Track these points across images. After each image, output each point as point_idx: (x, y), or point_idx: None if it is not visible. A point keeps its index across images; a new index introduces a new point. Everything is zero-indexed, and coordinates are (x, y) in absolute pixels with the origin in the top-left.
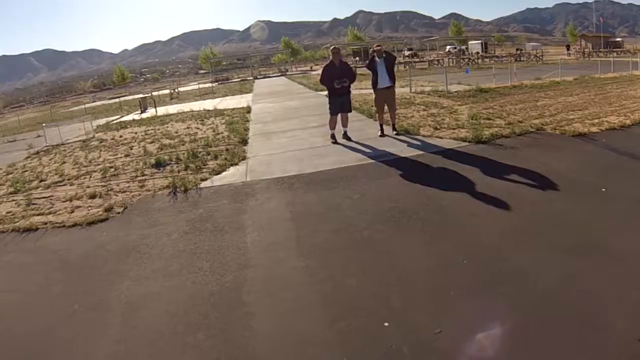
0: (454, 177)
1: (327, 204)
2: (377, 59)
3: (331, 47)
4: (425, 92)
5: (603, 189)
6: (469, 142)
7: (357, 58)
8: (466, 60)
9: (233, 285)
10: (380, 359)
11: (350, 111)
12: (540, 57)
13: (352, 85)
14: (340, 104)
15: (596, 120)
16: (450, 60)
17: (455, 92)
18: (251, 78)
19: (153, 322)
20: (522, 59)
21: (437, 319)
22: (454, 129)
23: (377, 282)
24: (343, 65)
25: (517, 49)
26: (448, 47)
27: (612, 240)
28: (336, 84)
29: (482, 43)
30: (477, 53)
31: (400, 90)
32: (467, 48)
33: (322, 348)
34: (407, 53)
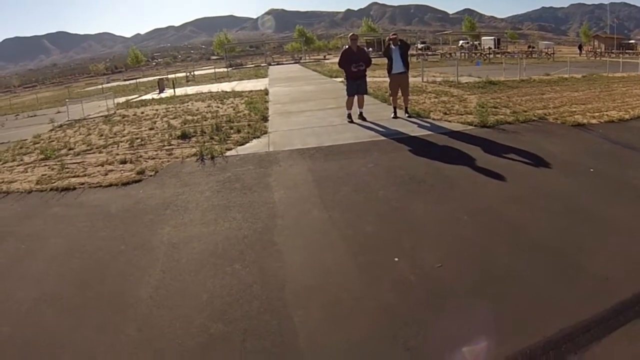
0: (458, 153)
1: (345, 170)
2: (392, 46)
3: (350, 34)
4: (436, 82)
5: (591, 169)
6: (475, 126)
7: (371, 49)
8: (478, 54)
9: (264, 230)
10: (391, 284)
11: (367, 92)
12: (552, 55)
13: (367, 72)
14: (357, 85)
15: (597, 114)
16: (463, 54)
17: (466, 83)
18: (265, 64)
19: (194, 257)
20: (533, 55)
21: (439, 257)
22: (461, 114)
23: (391, 229)
24: (360, 50)
25: (529, 46)
26: (461, 41)
27: (595, 207)
28: (353, 67)
29: (494, 39)
30: (489, 49)
31: (412, 80)
32: (479, 44)
33: (343, 275)
34: (420, 46)
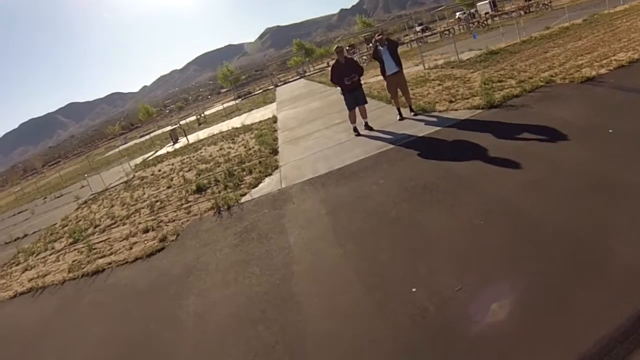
0: (468, 146)
1: (356, 193)
2: (380, 47)
3: (334, 48)
4: (438, 65)
5: (610, 130)
6: (482, 108)
7: (370, 44)
8: (475, 24)
9: (282, 281)
10: (410, 318)
11: (366, 102)
12: (549, 4)
13: (368, 75)
14: (354, 98)
15: (605, 61)
16: (461, 27)
17: (467, 59)
18: (272, 87)
19: (219, 324)
20: (531, 9)
21: (457, 277)
22: (467, 98)
23: (405, 254)
24: (349, 61)
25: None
26: (457, 13)
27: (620, 176)
28: (346, 80)
29: (490, 2)
30: (487, 13)
31: (415, 69)
32: (476, 11)
33: (361, 317)
34: (418, 29)
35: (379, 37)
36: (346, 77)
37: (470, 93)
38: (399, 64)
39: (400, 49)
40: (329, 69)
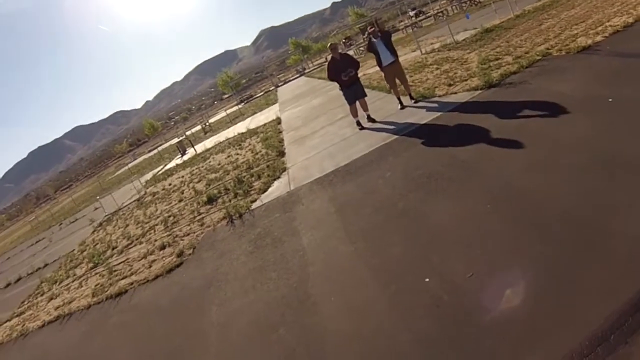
0: (470, 130)
1: (363, 189)
2: (374, 39)
3: (328, 45)
4: (435, 49)
5: (609, 99)
6: (481, 89)
7: (365, 36)
8: (467, 2)
9: (299, 283)
10: (424, 309)
11: (366, 95)
12: None
13: (367, 65)
14: (353, 92)
15: (599, 28)
16: (454, 7)
17: (463, 40)
18: (273, 88)
19: (241, 332)
20: None
21: (468, 264)
22: (465, 80)
23: (415, 245)
24: (344, 57)
25: None
26: None
27: (621, 148)
28: (343, 76)
29: None
30: None
31: (412, 55)
32: None
33: (376, 313)
34: (412, 13)
35: (372, 29)
36: (343, 72)
37: (468, 74)
38: (394, 53)
39: (395, 36)
40: (326, 64)
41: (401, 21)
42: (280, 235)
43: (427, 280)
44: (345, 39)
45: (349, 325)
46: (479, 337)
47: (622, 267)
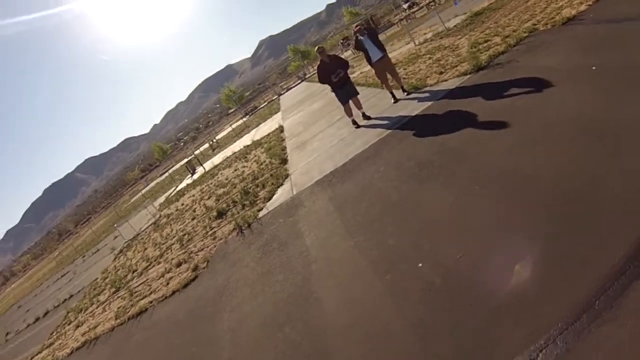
0: (459, 115)
1: (361, 185)
2: (360, 37)
3: (315, 50)
4: (428, 39)
5: (593, 67)
6: (470, 73)
7: (357, 34)
8: None
9: (303, 282)
10: (420, 293)
11: (358, 94)
12: None
13: (363, 64)
14: (345, 92)
15: None
16: None
17: (454, 26)
18: (276, 97)
19: (251, 335)
20: None
21: (459, 246)
22: (456, 66)
23: (410, 234)
24: (333, 59)
25: None
26: None
27: (605, 116)
28: (333, 77)
29: None
30: None
31: (406, 48)
32: None
33: (373, 303)
34: (405, 6)
35: (357, 27)
36: (332, 74)
37: (458, 60)
38: (382, 49)
39: (391, 30)
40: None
41: (396, 15)
42: (286, 238)
43: (420, 265)
44: (343, 39)
45: (348, 316)
46: (468, 318)
47: (608, 234)
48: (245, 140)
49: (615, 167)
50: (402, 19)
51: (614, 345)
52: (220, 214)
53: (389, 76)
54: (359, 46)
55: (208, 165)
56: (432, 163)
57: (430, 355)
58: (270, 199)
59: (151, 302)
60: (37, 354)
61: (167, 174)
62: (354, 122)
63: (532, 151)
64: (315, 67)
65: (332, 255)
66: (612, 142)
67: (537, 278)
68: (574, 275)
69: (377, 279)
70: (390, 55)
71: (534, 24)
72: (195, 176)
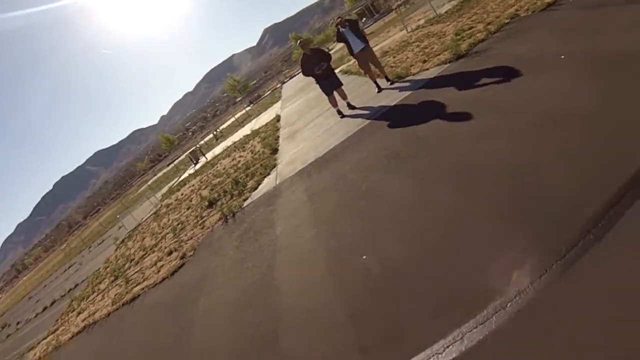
0: (432, 106)
1: (335, 175)
2: (342, 29)
3: (298, 43)
4: (420, 26)
5: (562, 56)
6: (450, 62)
7: (365, 18)
8: None
9: (268, 269)
10: (360, 282)
11: (342, 84)
12: None
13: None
14: (329, 84)
15: None
16: None
17: (445, 12)
18: (279, 85)
19: (220, 316)
20: None
21: (403, 238)
22: (438, 54)
23: (367, 225)
24: (315, 52)
25: None
26: None
27: (563, 105)
28: (316, 70)
29: None
30: None
31: (399, 35)
32: None
33: (323, 291)
34: None
35: (339, 19)
36: (315, 67)
37: (442, 48)
38: (364, 40)
39: (389, 17)
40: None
41: (397, 0)
42: (261, 227)
43: (364, 257)
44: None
45: (300, 302)
46: (399, 308)
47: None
48: (246, 129)
49: (564, 157)
50: (400, 5)
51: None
52: (211, 204)
53: (372, 67)
54: (340, 38)
55: (210, 155)
56: (399, 153)
57: (357, 346)
58: (256, 188)
59: (143, 288)
60: (42, 340)
61: (173, 164)
62: (339, 112)
63: (492, 142)
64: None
65: (296, 245)
66: (566, 133)
67: (475, 272)
68: (514, 267)
69: (330, 268)
70: (383, 43)
71: (517, 10)
72: (198, 166)
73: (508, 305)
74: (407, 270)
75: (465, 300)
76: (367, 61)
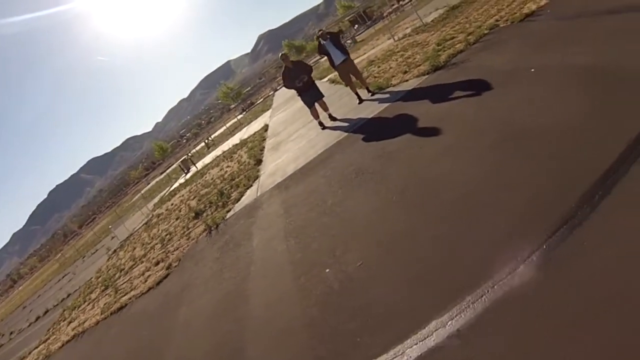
0: (404, 120)
1: (309, 188)
2: (323, 42)
3: (280, 56)
4: (407, 35)
5: (532, 70)
6: (428, 73)
7: (357, 25)
8: None
9: (241, 281)
10: (321, 295)
11: (323, 96)
12: None
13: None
14: (310, 96)
15: None
16: None
17: (431, 21)
18: (272, 92)
19: (198, 327)
20: None
21: (364, 254)
22: (419, 65)
23: (331, 239)
24: (296, 64)
25: None
26: None
27: (528, 122)
28: (297, 82)
29: None
30: None
31: (386, 44)
32: None
33: (287, 302)
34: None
35: (320, 32)
36: (296, 79)
37: (423, 59)
38: (345, 52)
39: (380, 25)
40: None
41: (392, 5)
42: (240, 239)
43: (327, 271)
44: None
45: (266, 313)
46: (349, 322)
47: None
48: (236, 139)
49: (526, 173)
50: (391, 12)
51: None
52: (197, 215)
53: (353, 78)
54: (322, 50)
55: (201, 164)
56: (367, 169)
57: (311, 355)
58: (239, 200)
59: (130, 298)
60: (34, 349)
61: (165, 173)
62: (321, 124)
63: (453, 160)
64: (311, 62)
65: (268, 257)
66: (529, 150)
67: (422, 288)
68: (466, 286)
69: (295, 280)
70: (370, 52)
71: (497, 20)
72: (189, 175)
73: (448, 324)
74: (358, 284)
75: (410, 315)
76: (347, 73)
